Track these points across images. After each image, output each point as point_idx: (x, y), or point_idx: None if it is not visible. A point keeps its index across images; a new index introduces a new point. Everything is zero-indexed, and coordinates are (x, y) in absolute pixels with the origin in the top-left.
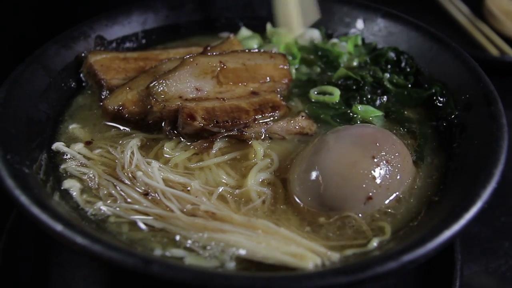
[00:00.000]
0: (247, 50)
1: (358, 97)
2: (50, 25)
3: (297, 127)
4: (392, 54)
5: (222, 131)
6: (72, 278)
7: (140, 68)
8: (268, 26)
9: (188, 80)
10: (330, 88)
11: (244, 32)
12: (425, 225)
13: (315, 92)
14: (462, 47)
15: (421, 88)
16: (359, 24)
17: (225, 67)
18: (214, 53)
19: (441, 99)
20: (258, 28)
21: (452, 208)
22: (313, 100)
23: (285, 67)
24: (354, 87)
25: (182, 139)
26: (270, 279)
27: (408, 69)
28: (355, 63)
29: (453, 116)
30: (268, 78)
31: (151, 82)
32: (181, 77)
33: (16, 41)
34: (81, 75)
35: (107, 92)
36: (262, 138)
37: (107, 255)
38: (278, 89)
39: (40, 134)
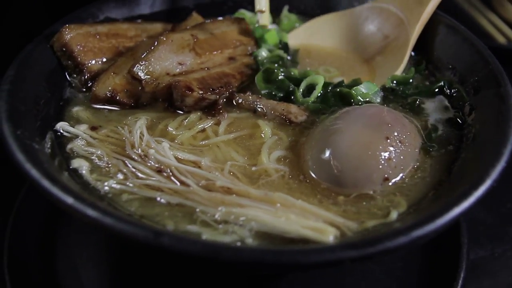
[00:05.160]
0: (208, 21)
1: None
2: (59, 5)
3: (283, 109)
4: None
5: (219, 97)
6: (79, 258)
7: (114, 48)
8: (285, 9)
9: (170, 57)
10: (315, 78)
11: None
12: (435, 203)
13: (301, 90)
14: None
15: (429, 79)
16: None
17: (196, 40)
18: (184, 29)
19: (451, 91)
20: None
21: (462, 186)
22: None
23: (248, 29)
24: None
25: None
26: (279, 252)
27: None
28: None
29: (466, 104)
30: (238, 42)
31: (133, 66)
32: (161, 55)
33: (26, 22)
34: (53, 47)
35: (88, 75)
36: (250, 106)
37: (118, 227)
38: (251, 52)
39: (47, 113)
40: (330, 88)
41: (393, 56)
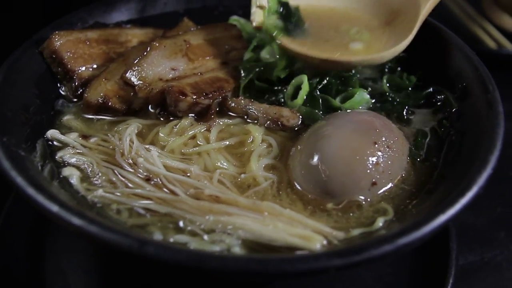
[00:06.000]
0: (200, 27)
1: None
2: (52, 11)
3: (275, 113)
4: None
5: (212, 102)
6: (68, 264)
7: (104, 54)
8: None
9: (162, 62)
10: (299, 78)
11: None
12: (421, 210)
13: (289, 93)
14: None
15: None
16: None
17: (189, 45)
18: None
19: (439, 97)
20: None
21: (448, 193)
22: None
23: (240, 35)
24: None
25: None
26: (264, 261)
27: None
28: None
29: (453, 110)
30: (230, 48)
31: (126, 71)
32: (154, 60)
33: (18, 26)
34: (43, 53)
35: (78, 82)
36: (243, 110)
37: (103, 236)
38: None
39: (36, 120)
40: (317, 88)
41: (400, 29)
